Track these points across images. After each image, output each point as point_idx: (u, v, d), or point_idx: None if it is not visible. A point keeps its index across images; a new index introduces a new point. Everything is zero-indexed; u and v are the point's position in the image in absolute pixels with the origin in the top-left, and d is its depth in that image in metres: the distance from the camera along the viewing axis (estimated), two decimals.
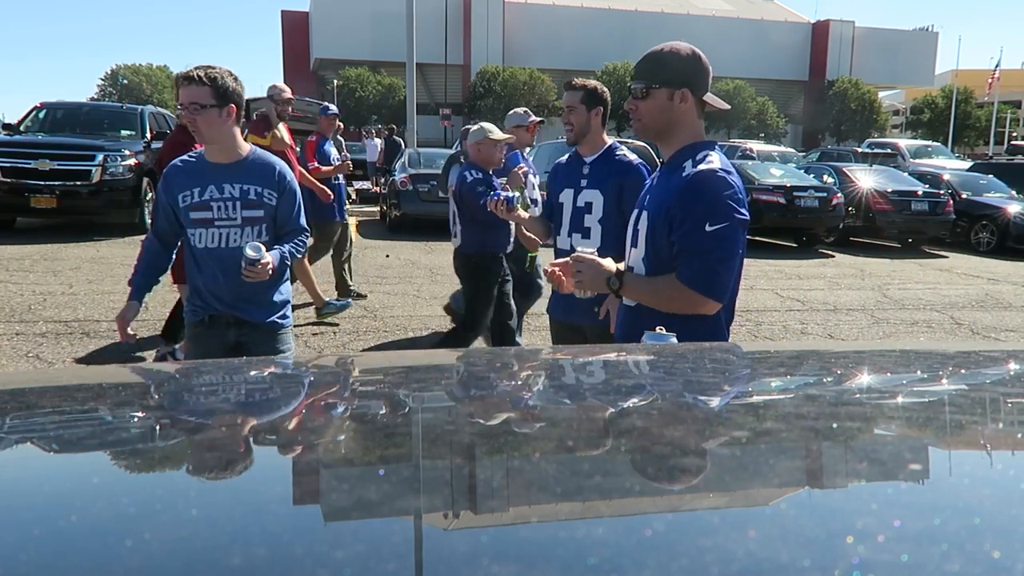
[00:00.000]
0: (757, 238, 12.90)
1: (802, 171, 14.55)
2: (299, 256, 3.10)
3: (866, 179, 13.91)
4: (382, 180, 17.14)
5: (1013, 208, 13.74)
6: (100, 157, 10.51)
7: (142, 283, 2.99)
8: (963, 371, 1.31)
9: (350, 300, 6.89)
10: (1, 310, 6.39)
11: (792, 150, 25.75)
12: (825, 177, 14.02)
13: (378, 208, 15.52)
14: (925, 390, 1.18)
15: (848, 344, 5.36)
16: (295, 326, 5.48)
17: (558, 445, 0.86)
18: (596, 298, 2.49)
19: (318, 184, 6.61)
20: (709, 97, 2.24)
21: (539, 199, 4.79)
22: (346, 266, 7.26)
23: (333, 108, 7.50)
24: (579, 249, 2.31)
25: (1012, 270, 11.43)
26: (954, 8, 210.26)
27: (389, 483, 0.73)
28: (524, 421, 0.97)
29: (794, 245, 13.24)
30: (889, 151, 20.89)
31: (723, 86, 49.37)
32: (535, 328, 6.07)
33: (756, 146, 22.61)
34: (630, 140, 8.87)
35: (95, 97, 56.05)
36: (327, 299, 6.58)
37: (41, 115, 12.38)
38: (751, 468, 0.78)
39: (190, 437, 0.92)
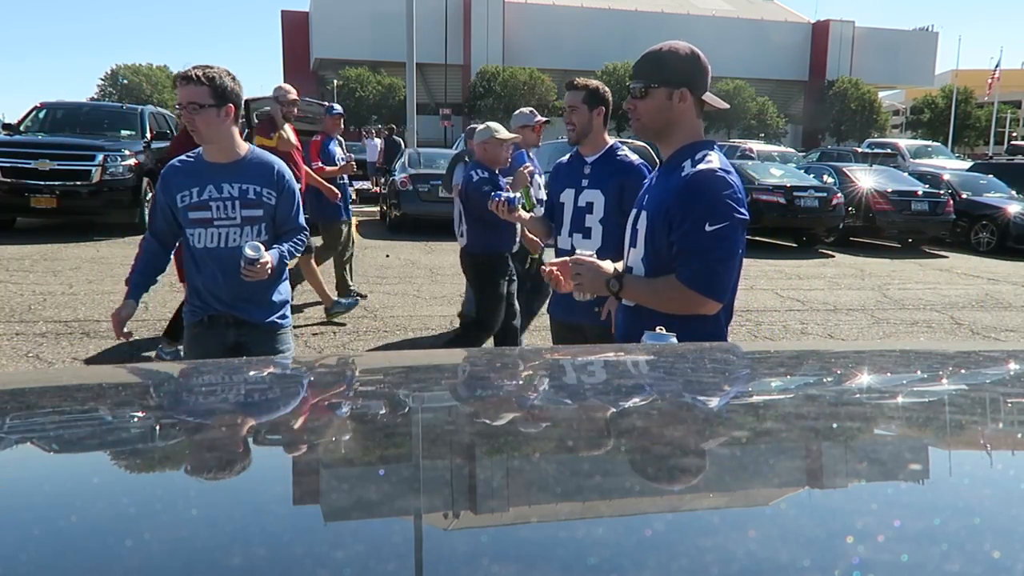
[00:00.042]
0: (757, 238, 12.90)
1: (802, 171, 14.55)
2: (298, 255, 3.09)
3: (866, 179, 13.91)
4: (382, 180, 17.14)
5: (1013, 208, 13.74)
6: (100, 157, 10.51)
7: (139, 282, 2.98)
8: (963, 371, 1.31)
9: (358, 299, 6.90)
10: (1, 310, 6.39)
11: (792, 150, 25.76)
12: (825, 177, 14.02)
13: (378, 208, 15.52)
14: (925, 390, 1.18)
15: (848, 344, 5.36)
16: (297, 326, 5.48)
17: (558, 445, 0.86)
18: (597, 298, 2.49)
19: (325, 184, 6.63)
20: (708, 96, 2.24)
21: (545, 198, 4.80)
22: (347, 266, 7.27)
23: (338, 108, 7.47)
24: (578, 251, 2.31)
25: (1012, 270, 11.43)
26: (954, 8, 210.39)
27: (389, 483, 0.73)
28: (524, 421, 0.97)
29: (794, 245, 13.24)
30: (889, 151, 20.90)
31: (723, 86, 49.40)
32: (535, 328, 6.06)
33: (756, 146, 22.62)
34: (630, 140, 8.87)
35: (95, 97, 56.07)
36: (335, 298, 6.60)
37: (41, 115, 12.39)
38: (751, 468, 0.78)
39: (190, 437, 0.92)
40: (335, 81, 48.56)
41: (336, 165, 6.95)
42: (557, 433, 0.92)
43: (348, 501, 0.69)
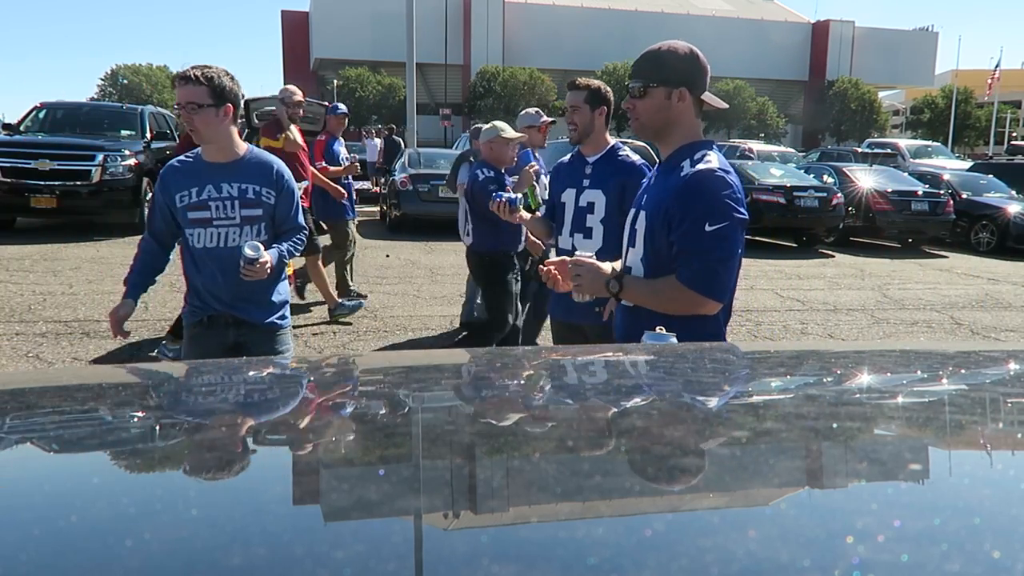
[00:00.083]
0: (757, 238, 12.90)
1: (802, 171, 14.55)
2: (298, 255, 3.10)
3: (866, 179, 13.91)
4: (382, 180, 17.14)
5: (1013, 208, 13.74)
6: (100, 157, 10.51)
7: (138, 282, 2.98)
8: (963, 371, 1.31)
9: (362, 300, 6.89)
10: (1, 310, 6.39)
11: (792, 150, 25.75)
12: (825, 177, 14.02)
13: (378, 208, 15.51)
14: (925, 390, 1.18)
15: (848, 344, 5.36)
16: (297, 326, 5.48)
17: (558, 445, 0.86)
18: (598, 298, 2.49)
19: (331, 184, 6.63)
20: (707, 96, 2.23)
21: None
22: (348, 266, 7.27)
23: (343, 108, 7.44)
24: (578, 252, 2.30)
25: (1012, 270, 11.43)
26: (954, 8, 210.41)
27: (389, 483, 0.73)
28: (524, 421, 0.97)
29: (794, 245, 13.24)
30: (889, 151, 20.89)
31: (723, 86, 49.40)
32: None
33: (756, 146, 22.61)
34: (630, 140, 8.87)
35: (95, 97, 56.07)
36: (340, 300, 6.61)
37: (41, 115, 12.38)
38: (751, 468, 0.78)
39: (190, 437, 0.92)
40: (335, 81, 48.55)
41: (340, 165, 6.94)
42: (557, 433, 0.92)
43: (348, 501, 0.69)
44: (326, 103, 7.85)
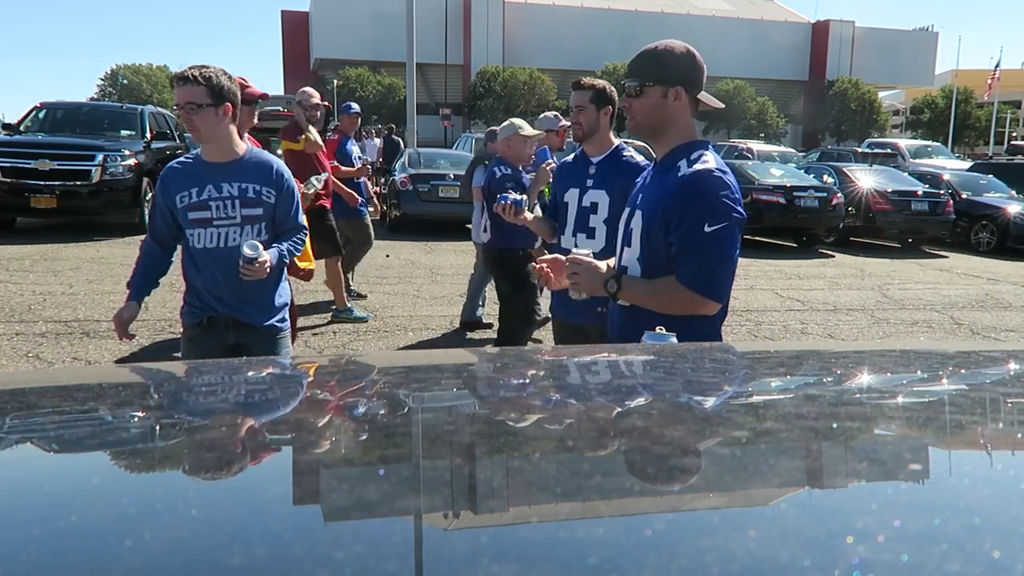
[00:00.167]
0: (757, 238, 12.90)
1: (802, 171, 14.55)
2: (298, 254, 3.10)
3: (866, 179, 13.91)
4: (381, 180, 17.13)
5: (1013, 208, 13.74)
6: (100, 157, 10.51)
7: (141, 285, 2.99)
8: (963, 371, 1.31)
9: (369, 315, 6.84)
10: (1, 310, 6.39)
11: (792, 150, 25.76)
12: (825, 177, 14.02)
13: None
14: (925, 390, 1.18)
15: (848, 344, 5.36)
16: (299, 327, 5.48)
17: (558, 445, 0.86)
18: (599, 298, 2.49)
19: (344, 188, 6.63)
20: (703, 96, 2.23)
21: None
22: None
23: (355, 107, 7.35)
24: (574, 251, 2.29)
25: (1012, 270, 11.43)
26: (954, 8, 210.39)
27: (389, 483, 0.73)
28: (524, 421, 0.97)
29: (794, 245, 13.24)
30: (889, 151, 20.90)
31: (723, 86, 49.43)
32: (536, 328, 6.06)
33: (756, 146, 22.62)
34: (631, 140, 8.87)
35: (95, 97, 56.08)
36: (349, 306, 6.62)
37: (41, 115, 12.38)
38: (751, 468, 0.78)
39: (190, 437, 0.92)
40: (335, 81, 48.52)
41: (353, 165, 6.93)
42: (557, 433, 0.92)
43: (348, 501, 0.69)
44: (346, 102, 7.79)
